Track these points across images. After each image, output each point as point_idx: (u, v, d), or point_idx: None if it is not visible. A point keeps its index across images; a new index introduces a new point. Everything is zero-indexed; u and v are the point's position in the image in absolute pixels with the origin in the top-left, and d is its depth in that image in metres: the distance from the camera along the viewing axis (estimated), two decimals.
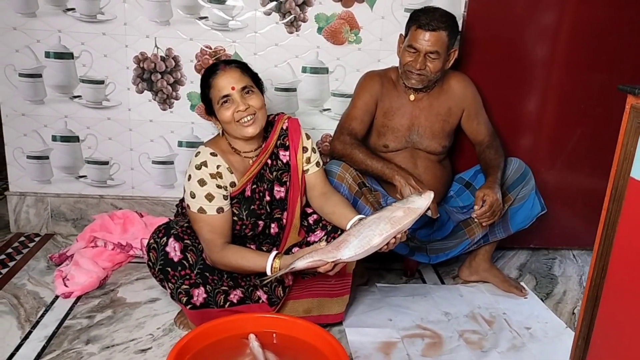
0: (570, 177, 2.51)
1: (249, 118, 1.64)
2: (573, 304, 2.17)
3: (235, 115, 1.63)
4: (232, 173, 1.70)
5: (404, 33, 2.04)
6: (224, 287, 1.72)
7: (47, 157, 2.42)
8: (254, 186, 1.74)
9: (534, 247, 2.62)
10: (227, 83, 1.64)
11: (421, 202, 1.55)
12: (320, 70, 2.38)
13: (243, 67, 1.70)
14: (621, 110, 2.63)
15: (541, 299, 2.18)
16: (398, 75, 2.09)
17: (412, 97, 2.09)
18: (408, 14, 2.03)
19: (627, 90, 1.37)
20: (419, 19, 1.94)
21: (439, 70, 1.99)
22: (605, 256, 1.44)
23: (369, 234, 1.50)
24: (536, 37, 2.32)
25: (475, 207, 1.88)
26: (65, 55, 2.29)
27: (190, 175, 1.65)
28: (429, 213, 1.71)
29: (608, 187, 1.43)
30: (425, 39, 1.92)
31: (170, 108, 2.39)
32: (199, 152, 1.68)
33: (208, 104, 1.70)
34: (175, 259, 1.65)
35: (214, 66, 1.69)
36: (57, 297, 1.98)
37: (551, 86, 2.39)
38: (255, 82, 1.70)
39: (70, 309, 1.92)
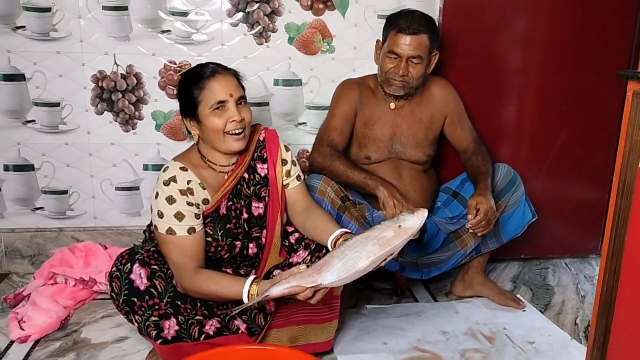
0: (557, 181, 2.44)
1: (239, 131, 1.52)
2: (574, 313, 2.06)
3: (227, 125, 1.50)
4: (204, 189, 1.55)
5: (381, 39, 1.95)
6: (198, 317, 1.55)
7: None
8: (230, 203, 1.60)
9: (525, 257, 2.52)
10: (226, 88, 1.50)
11: (414, 221, 1.40)
12: (293, 82, 2.27)
13: (238, 77, 1.57)
14: (603, 108, 2.57)
15: (540, 311, 2.06)
16: (377, 83, 2.00)
17: (392, 105, 2.00)
18: (382, 20, 1.95)
19: (629, 76, 1.26)
20: (398, 22, 1.86)
21: (422, 75, 1.91)
22: (617, 257, 1.31)
23: (354, 256, 1.34)
24: (514, 41, 2.28)
25: (469, 217, 1.78)
26: (16, 77, 2.12)
27: (157, 193, 1.50)
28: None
29: (614, 182, 1.32)
30: (407, 43, 1.84)
31: (133, 129, 2.23)
32: (167, 167, 1.53)
33: (189, 104, 1.52)
34: (142, 287, 1.48)
35: (209, 67, 1.53)
36: (12, 342, 1.78)
37: (532, 89, 2.33)
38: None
39: (27, 354, 1.72)
